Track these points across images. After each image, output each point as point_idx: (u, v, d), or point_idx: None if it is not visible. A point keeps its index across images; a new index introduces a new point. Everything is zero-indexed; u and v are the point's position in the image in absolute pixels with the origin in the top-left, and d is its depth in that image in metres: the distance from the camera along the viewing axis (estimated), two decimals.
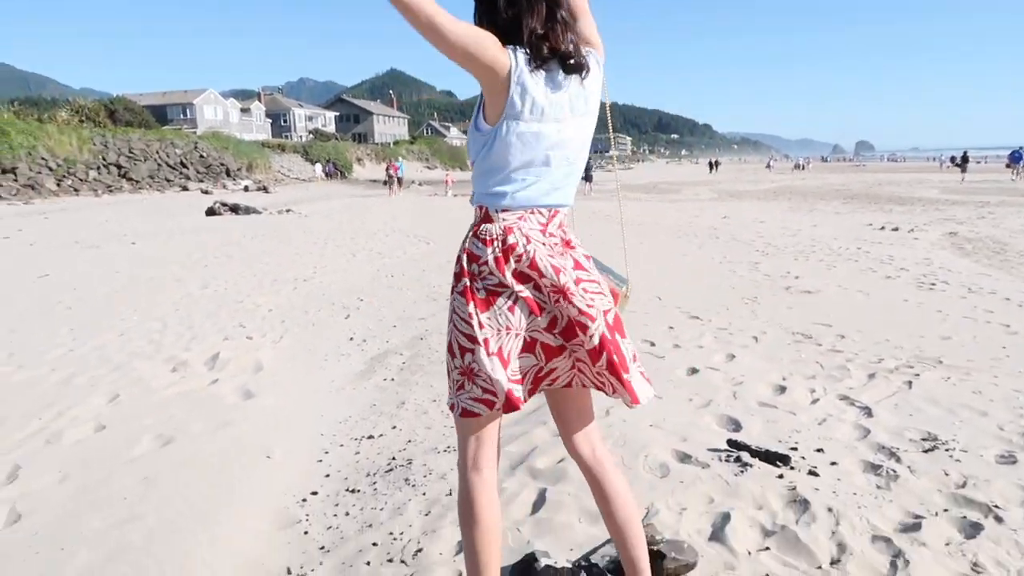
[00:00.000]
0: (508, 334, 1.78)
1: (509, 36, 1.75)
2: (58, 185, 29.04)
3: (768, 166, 73.93)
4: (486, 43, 1.68)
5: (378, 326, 6.25)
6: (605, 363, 1.80)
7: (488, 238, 1.81)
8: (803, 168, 65.46)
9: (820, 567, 2.38)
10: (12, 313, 6.83)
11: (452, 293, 1.87)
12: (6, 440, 3.72)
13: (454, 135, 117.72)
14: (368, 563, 2.53)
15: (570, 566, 2.30)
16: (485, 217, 1.83)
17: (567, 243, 1.87)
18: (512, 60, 1.71)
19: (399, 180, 32.71)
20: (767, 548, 2.49)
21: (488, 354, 1.77)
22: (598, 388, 1.89)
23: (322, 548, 2.67)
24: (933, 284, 7.57)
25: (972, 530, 2.57)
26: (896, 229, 13.12)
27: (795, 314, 6.27)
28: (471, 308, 1.79)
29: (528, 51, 1.74)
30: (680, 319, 6.13)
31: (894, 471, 3.06)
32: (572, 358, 1.86)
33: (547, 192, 1.83)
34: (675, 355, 5.01)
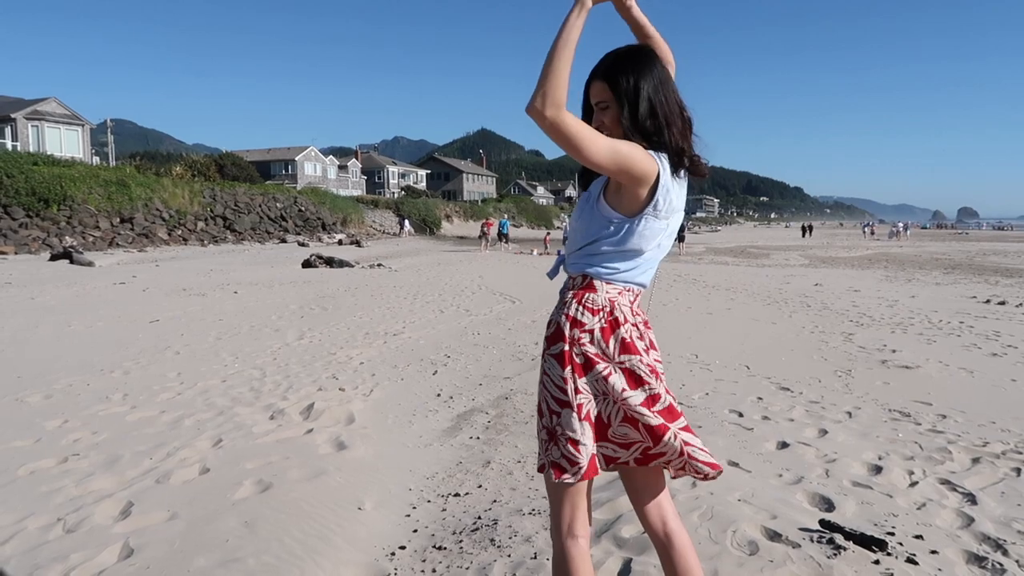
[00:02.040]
0: (606, 400, 1.85)
1: (652, 142, 1.88)
2: (169, 235, 31.00)
3: (871, 231, 67.00)
4: (636, 155, 1.80)
5: (464, 383, 6.38)
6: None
7: (594, 308, 1.91)
8: (898, 235, 57.90)
9: None
10: (127, 355, 7.32)
11: (544, 355, 1.96)
12: (121, 477, 3.98)
13: (541, 194, 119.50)
14: None
15: None
16: (588, 286, 1.92)
17: (646, 323, 1.99)
18: (660, 166, 1.84)
19: (505, 237, 34.24)
20: None
21: (580, 418, 1.85)
22: (676, 470, 1.94)
23: None
24: None
25: None
26: (1003, 303, 12.47)
27: (892, 390, 6.04)
28: (567, 372, 1.87)
29: (671, 158, 1.88)
30: (769, 390, 6.01)
31: (1000, 564, 2.92)
32: (679, 441, 1.92)
33: (645, 272, 1.96)
34: (764, 427, 4.91)
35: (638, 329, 1.94)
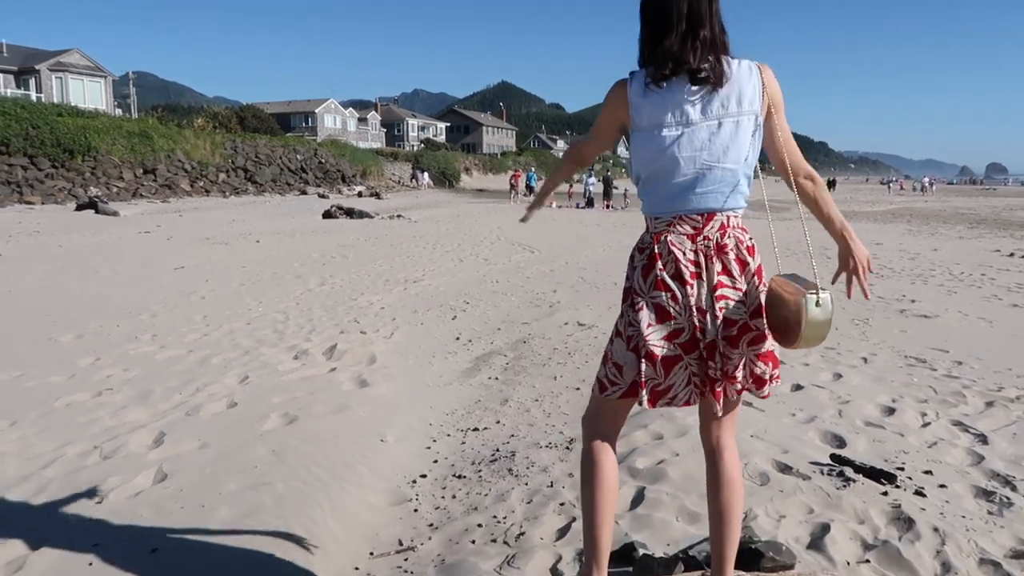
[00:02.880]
0: (655, 329, 1.89)
1: (651, 52, 1.93)
2: (191, 186, 31.20)
3: (900, 186, 65.53)
4: (606, 124, 2.05)
5: (483, 328, 6.48)
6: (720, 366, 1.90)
7: (642, 245, 1.97)
8: (924, 190, 56.68)
9: None
10: (154, 299, 7.48)
11: None
12: (152, 410, 4.14)
13: (560, 147, 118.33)
14: (473, 541, 2.70)
15: (667, 557, 2.39)
16: (645, 227, 2.01)
17: (720, 248, 1.93)
18: (627, 91, 1.92)
19: (531, 189, 35.09)
20: (867, 560, 2.50)
21: (628, 349, 1.91)
22: (714, 397, 1.94)
23: (431, 525, 2.87)
24: None
25: None
26: None
27: (909, 338, 6.06)
28: (625, 306, 1.98)
29: (651, 66, 1.89)
30: None
31: (1008, 499, 2.98)
32: (687, 372, 1.92)
33: (687, 197, 1.91)
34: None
35: (697, 255, 1.91)
